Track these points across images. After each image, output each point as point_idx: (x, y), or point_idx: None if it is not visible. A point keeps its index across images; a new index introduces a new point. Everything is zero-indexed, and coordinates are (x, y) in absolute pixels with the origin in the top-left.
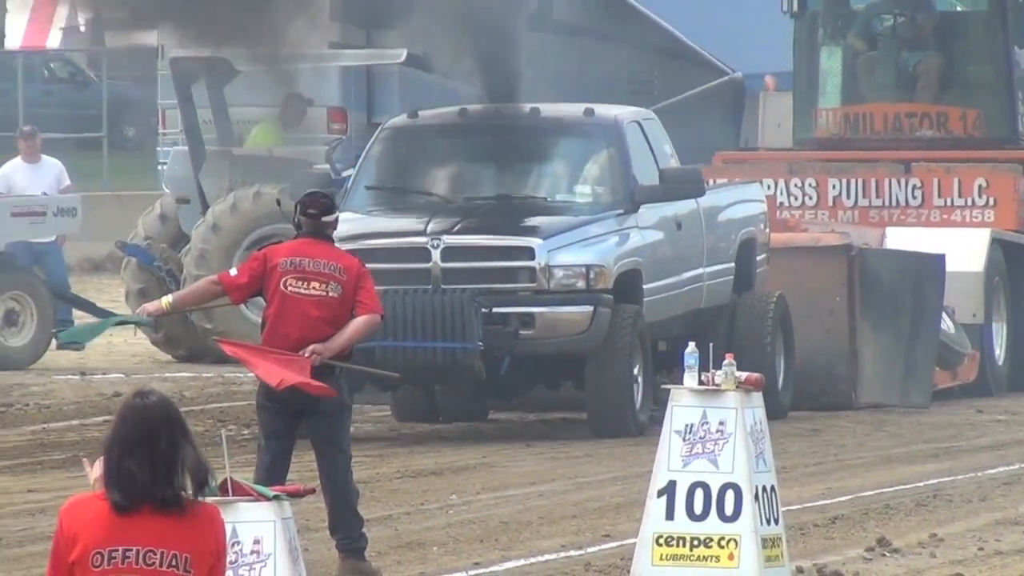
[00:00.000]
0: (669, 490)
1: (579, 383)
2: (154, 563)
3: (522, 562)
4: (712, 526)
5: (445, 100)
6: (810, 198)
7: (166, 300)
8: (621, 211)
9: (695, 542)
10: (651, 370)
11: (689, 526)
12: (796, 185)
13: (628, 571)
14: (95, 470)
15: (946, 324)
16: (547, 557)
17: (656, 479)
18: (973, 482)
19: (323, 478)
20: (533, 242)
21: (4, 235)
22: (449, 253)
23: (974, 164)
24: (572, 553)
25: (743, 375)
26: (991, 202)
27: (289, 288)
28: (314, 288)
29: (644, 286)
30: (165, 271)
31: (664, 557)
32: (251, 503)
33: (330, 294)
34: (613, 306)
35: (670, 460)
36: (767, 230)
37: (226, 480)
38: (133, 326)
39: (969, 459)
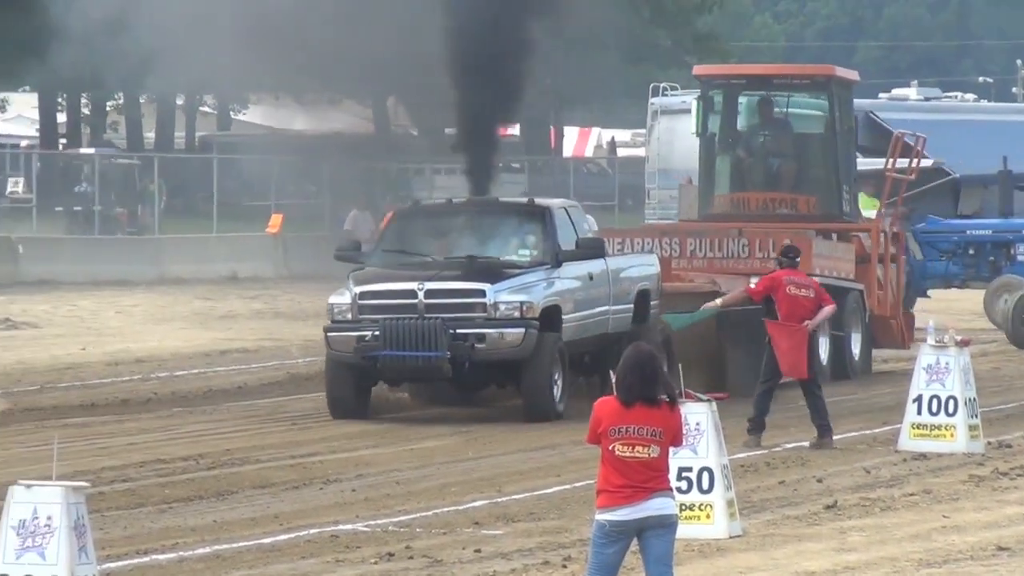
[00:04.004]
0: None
1: (516, 383)
2: (642, 433)
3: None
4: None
5: None
6: (676, 251)
7: (721, 301)
8: (549, 266)
9: None
10: (568, 375)
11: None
12: (667, 243)
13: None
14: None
15: None
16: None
17: None
18: None
19: None
20: (485, 286)
21: None
22: (430, 293)
23: (784, 229)
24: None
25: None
26: None
27: (790, 291)
28: (803, 292)
29: (563, 317)
30: None
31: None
32: None
33: (811, 296)
34: (539, 330)
35: None
36: (659, 283)
37: (681, 390)
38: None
39: None
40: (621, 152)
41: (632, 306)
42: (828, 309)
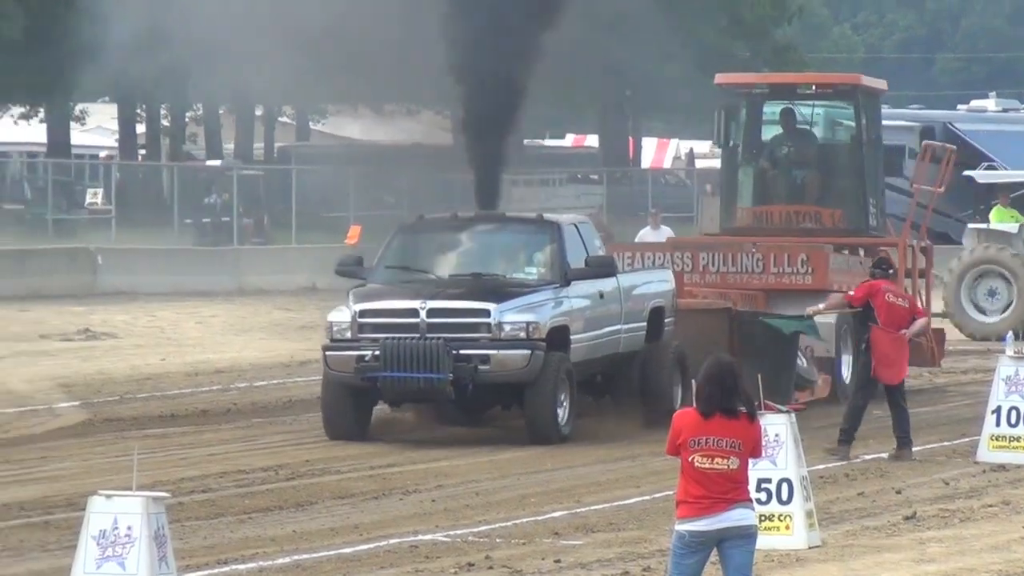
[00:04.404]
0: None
1: (521, 405)
2: (722, 445)
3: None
4: None
5: None
6: (688, 266)
7: (820, 307)
8: (557, 285)
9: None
10: (575, 396)
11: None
12: (679, 257)
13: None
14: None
15: (801, 360)
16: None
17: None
18: None
19: None
20: (490, 306)
21: None
22: (432, 312)
23: (798, 243)
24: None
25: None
26: (809, 269)
27: (888, 299)
28: (900, 301)
29: (572, 337)
30: None
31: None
32: None
33: (905, 306)
34: (546, 350)
35: None
36: (674, 300)
37: (760, 402)
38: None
39: None
40: (700, 163)
41: (645, 324)
42: (923, 321)
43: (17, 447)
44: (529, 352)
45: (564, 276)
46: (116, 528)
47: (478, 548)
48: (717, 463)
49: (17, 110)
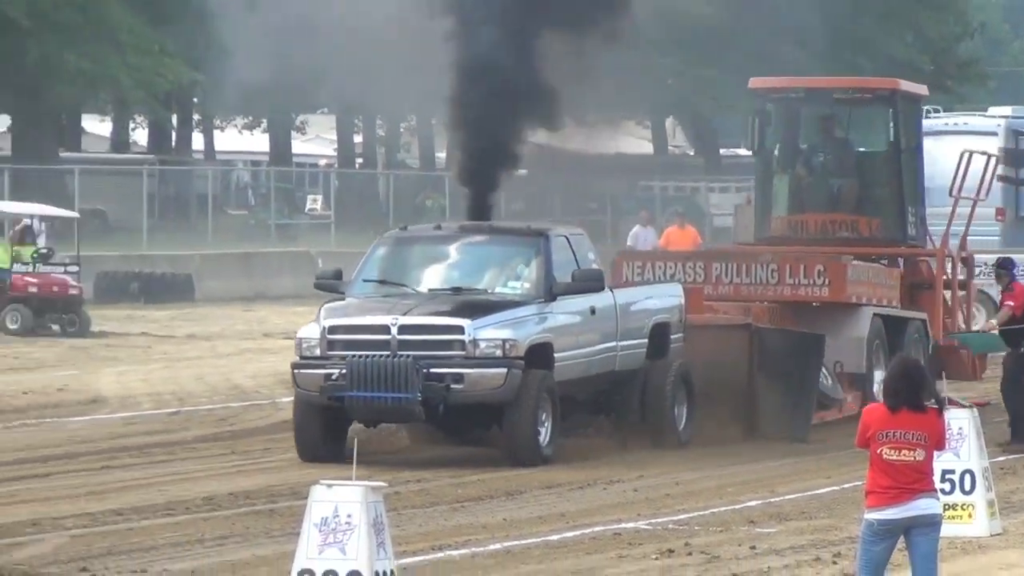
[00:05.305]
0: None
1: (500, 425)
2: (908, 438)
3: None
4: None
5: None
6: (700, 277)
7: (993, 322)
8: (541, 300)
9: None
10: (559, 415)
11: None
12: (691, 268)
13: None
14: None
15: (825, 378)
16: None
17: None
18: None
19: None
20: (464, 322)
21: None
22: (403, 329)
23: (815, 253)
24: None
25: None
26: (826, 281)
27: None
28: None
29: (556, 355)
30: None
31: None
32: None
33: None
34: (525, 369)
35: None
36: (682, 315)
37: (946, 398)
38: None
39: None
40: None
41: (647, 341)
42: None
43: (242, 439)
44: (506, 371)
45: (550, 291)
46: (337, 516)
47: (677, 535)
48: (904, 455)
49: (241, 121)
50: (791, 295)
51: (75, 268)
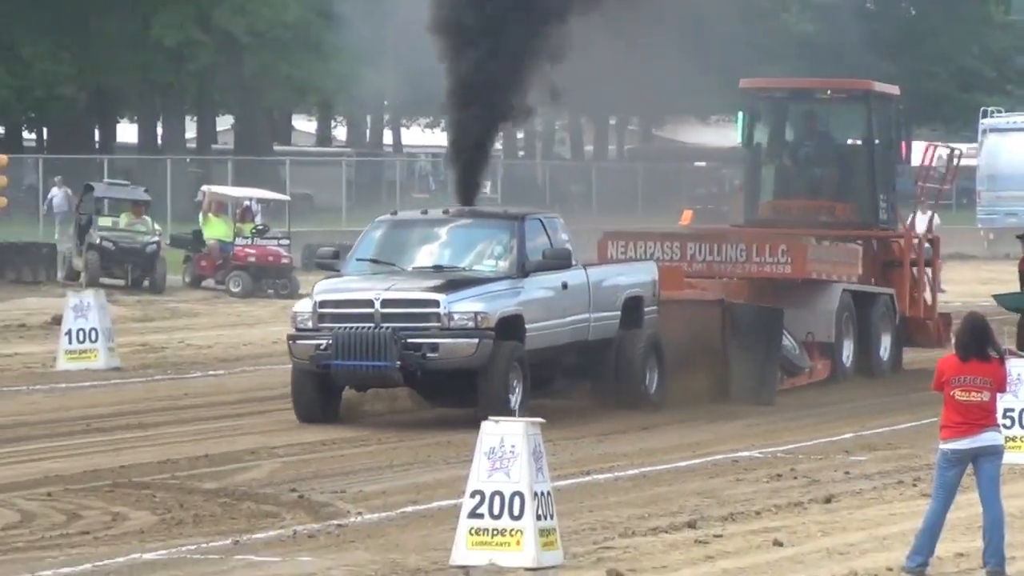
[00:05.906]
0: None
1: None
2: (976, 383)
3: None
4: None
5: None
6: (676, 255)
7: None
8: (514, 277)
9: None
10: (528, 383)
11: None
12: (668, 247)
13: None
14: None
15: (792, 348)
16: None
17: None
18: None
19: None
20: (440, 296)
21: None
22: (386, 303)
23: (780, 234)
24: None
25: None
26: (788, 259)
27: None
28: None
29: (527, 326)
30: None
31: None
32: None
33: None
34: (496, 339)
35: None
36: (655, 290)
37: (1007, 349)
38: None
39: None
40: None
41: (619, 312)
42: None
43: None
44: (477, 340)
45: (522, 268)
46: (503, 446)
47: (785, 463)
48: (973, 396)
49: (423, 120)
50: (757, 272)
51: (286, 241)
